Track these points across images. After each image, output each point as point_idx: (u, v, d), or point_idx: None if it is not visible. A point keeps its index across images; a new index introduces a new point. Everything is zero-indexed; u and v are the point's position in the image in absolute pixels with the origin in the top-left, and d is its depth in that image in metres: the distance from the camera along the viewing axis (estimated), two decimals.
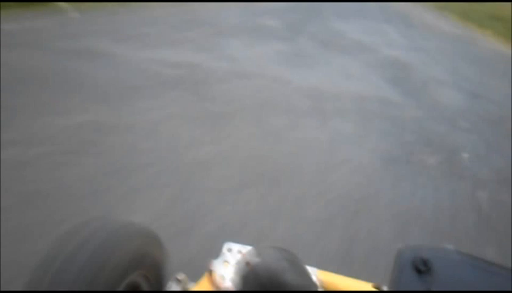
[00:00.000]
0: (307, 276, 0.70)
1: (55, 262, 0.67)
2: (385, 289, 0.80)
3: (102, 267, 0.69)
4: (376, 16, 10.36)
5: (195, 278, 0.91)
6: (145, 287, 0.83)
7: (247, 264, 0.87)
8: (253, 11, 8.03)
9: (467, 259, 0.56)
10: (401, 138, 3.51)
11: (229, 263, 0.88)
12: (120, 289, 0.73)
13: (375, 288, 0.83)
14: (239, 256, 0.88)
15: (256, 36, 6.12)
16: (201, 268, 0.91)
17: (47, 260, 0.68)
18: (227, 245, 0.93)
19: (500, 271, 0.54)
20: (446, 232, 2.37)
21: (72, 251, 0.69)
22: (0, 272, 1.53)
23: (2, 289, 1.46)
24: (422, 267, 0.54)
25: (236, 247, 0.92)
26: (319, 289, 0.86)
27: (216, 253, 0.92)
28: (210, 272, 0.87)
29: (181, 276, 0.89)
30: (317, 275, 0.87)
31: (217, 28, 6.12)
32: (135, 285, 0.80)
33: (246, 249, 0.91)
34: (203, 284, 0.88)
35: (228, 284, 0.83)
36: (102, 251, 0.70)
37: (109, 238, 0.73)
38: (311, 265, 0.83)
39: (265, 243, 1.79)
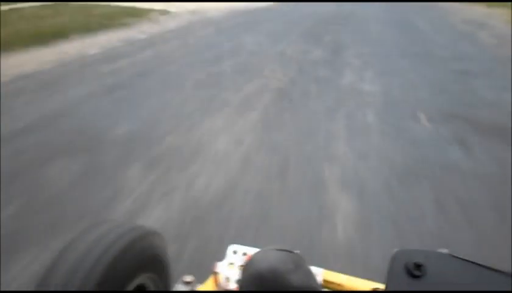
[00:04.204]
0: (311, 276, 0.71)
1: (65, 262, 0.68)
2: None
3: (111, 268, 0.70)
4: None
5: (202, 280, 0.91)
6: (152, 289, 0.84)
7: (245, 254, 0.88)
8: None
9: (462, 264, 0.56)
10: None
11: (234, 265, 0.88)
12: (128, 289, 0.74)
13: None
14: (244, 258, 0.89)
15: None
16: None
17: (57, 260, 0.69)
18: (232, 247, 0.93)
19: (496, 275, 0.53)
20: None
21: (82, 252, 0.70)
22: (0, 274, 1.53)
23: (2, 289, 1.46)
24: (415, 272, 0.54)
25: (241, 249, 0.93)
26: (323, 289, 0.87)
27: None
28: (215, 274, 0.87)
29: (188, 278, 0.89)
30: (324, 276, 0.88)
31: None
32: (142, 287, 0.81)
33: (251, 251, 0.91)
34: (208, 287, 0.88)
35: (233, 286, 0.84)
36: (111, 252, 0.71)
37: (118, 240, 0.74)
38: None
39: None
